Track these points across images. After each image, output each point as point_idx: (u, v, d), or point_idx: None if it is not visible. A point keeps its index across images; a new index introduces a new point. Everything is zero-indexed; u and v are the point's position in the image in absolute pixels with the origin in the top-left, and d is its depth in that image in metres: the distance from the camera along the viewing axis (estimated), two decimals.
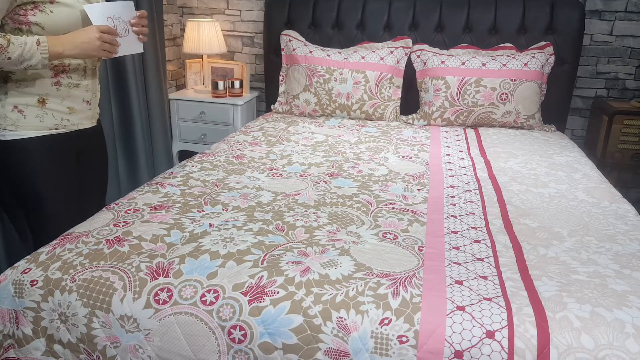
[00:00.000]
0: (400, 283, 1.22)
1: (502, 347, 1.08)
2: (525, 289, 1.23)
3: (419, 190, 1.88)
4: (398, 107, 2.95)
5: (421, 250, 1.40)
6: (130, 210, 1.60)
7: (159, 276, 1.25)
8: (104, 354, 1.23)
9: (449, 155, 2.34)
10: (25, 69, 1.53)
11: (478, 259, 1.37)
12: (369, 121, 2.91)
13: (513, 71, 2.74)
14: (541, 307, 1.15)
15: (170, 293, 1.22)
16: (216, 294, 1.20)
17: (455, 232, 1.54)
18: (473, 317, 1.12)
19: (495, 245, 1.47)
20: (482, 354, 1.08)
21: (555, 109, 3.03)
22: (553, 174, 2.11)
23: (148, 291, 1.22)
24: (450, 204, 1.76)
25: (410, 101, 3.10)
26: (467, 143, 2.54)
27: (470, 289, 1.21)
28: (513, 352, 1.07)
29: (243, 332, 1.16)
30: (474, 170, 2.13)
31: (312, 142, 2.45)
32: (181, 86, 3.45)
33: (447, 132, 2.75)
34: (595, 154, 3.01)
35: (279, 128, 2.70)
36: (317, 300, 1.17)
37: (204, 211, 1.62)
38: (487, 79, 2.75)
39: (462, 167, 2.17)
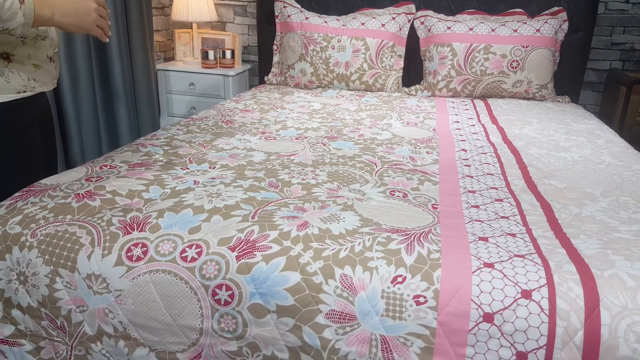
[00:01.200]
0: (414, 238, 1.04)
1: (542, 309, 0.90)
2: (562, 246, 1.05)
3: (427, 152, 1.70)
4: (400, 78, 2.76)
5: (436, 208, 1.22)
6: (106, 166, 1.41)
7: (133, 230, 1.07)
8: (69, 319, 1.05)
9: (457, 122, 2.16)
10: None
11: (502, 217, 1.19)
12: (369, 92, 2.73)
13: (525, 37, 2.56)
14: (585, 265, 0.97)
15: (145, 249, 1.03)
16: (199, 250, 1.01)
17: (473, 192, 1.36)
18: (505, 275, 0.94)
19: (521, 203, 1.28)
20: (517, 317, 0.90)
21: (568, 81, 2.85)
22: (574, 139, 1.93)
23: (120, 247, 1.04)
24: (465, 165, 1.58)
25: (413, 73, 2.92)
26: (477, 112, 2.36)
27: (498, 246, 1.03)
28: (555, 314, 0.89)
29: (230, 292, 0.97)
30: (487, 135, 1.96)
31: (308, 110, 2.26)
32: (170, 58, 3.26)
33: (453, 102, 2.56)
34: (612, 128, 2.84)
35: (272, 97, 2.52)
36: (317, 255, 0.98)
37: (188, 169, 1.43)
38: (497, 46, 2.57)
39: (474, 133, 1.99)
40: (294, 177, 1.38)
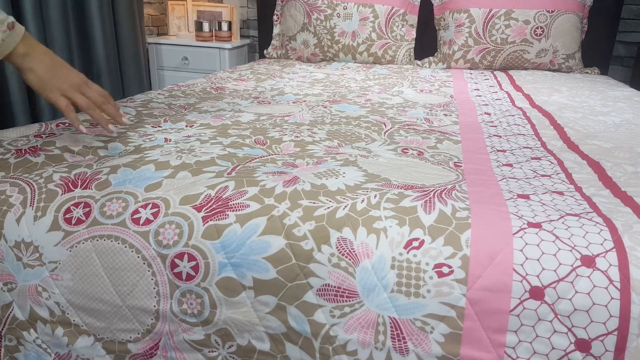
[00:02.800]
0: (434, 195, 0.80)
1: (610, 280, 0.66)
2: (624, 204, 0.81)
3: (445, 115, 1.46)
4: (412, 50, 2.52)
5: (459, 166, 0.98)
6: (64, 124, 1.19)
7: (76, 188, 0.84)
8: None
9: (477, 90, 1.92)
10: None
11: (543, 175, 0.95)
12: (377, 65, 2.49)
13: (550, 1, 2.31)
14: None
15: (88, 209, 0.80)
16: (155, 210, 0.78)
17: (503, 150, 1.12)
18: (557, 237, 0.70)
19: (563, 162, 1.04)
20: (576, 292, 0.66)
21: (595, 54, 2.59)
22: (611, 105, 1.68)
23: (57, 207, 0.81)
24: (491, 126, 1.34)
25: (426, 45, 2.67)
26: (498, 82, 2.11)
27: (544, 204, 0.79)
28: (629, 287, 0.65)
29: (194, 263, 0.74)
30: (512, 101, 1.71)
31: (310, 80, 2.03)
32: (163, 33, 3.04)
33: (471, 73, 2.32)
34: None
35: (271, 69, 2.29)
36: (307, 215, 0.75)
37: (160, 127, 1.20)
38: (519, 11, 2.32)
39: (497, 100, 1.74)
40: (286, 134, 1.15)
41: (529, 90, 1.91)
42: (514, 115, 1.47)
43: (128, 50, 2.46)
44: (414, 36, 2.52)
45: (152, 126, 1.20)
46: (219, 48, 2.65)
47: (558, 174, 0.97)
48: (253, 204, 0.77)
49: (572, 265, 0.67)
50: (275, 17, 2.67)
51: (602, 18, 2.54)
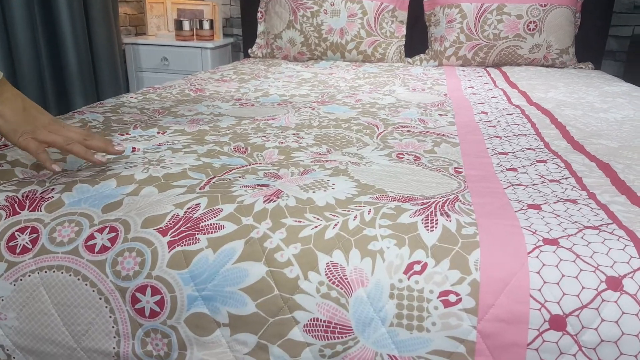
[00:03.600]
0: (436, 208, 0.70)
1: None
2: None
3: (441, 115, 1.36)
4: (402, 47, 2.43)
5: (459, 172, 0.89)
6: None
7: (23, 209, 0.73)
8: None
9: (471, 87, 1.83)
10: None
11: (551, 181, 0.86)
12: (367, 63, 2.39)
13: None
14: None
15: (35, 235, 0.69)
16: (113, 234, 0.68)
17: (505, 153, 1.03)
18: (577, 256, 0.61)
19: (571, 164, 0.95)
20: (602, 321, 0.57)
21: (588, 49, 2.52)
22: (610, 101, 1.60)
23: None
24: (489, 127, 1.25)
25: (416, 43, 2.58)
26: (492, 79, 2.02)
27: (557, 215, 0.70)
28: None
29: (158, 297, 0.64)
30: (508, 99, 1.62)
31: (297, 79, 1.93)
32: (142, 33, 2.92)
33: (464, 70, 2.23)
34: None
35: (256, 68, 2.18)
36: (292, 236, 0.65)
37: (129, 134, 1.10)
38: (512, 5, 2.23)
39: (492, 97, 1.66)
40: (269, 140, 1.05)
41: (525, 87, 1.82)
42: (512, 114, 1.38)
43: (102, 52, 2.35)
44: (404, 33, 2.43)
45: (119, 134, 1.09)
46: (201, 48, 2.54)
47: (567, 178, 0.88)
48: (228, 225, 0.67)
49: (596, 289, 0.58)
50: (259, 15, 2.56)
51: (594, 12, 2.46)
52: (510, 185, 0.83)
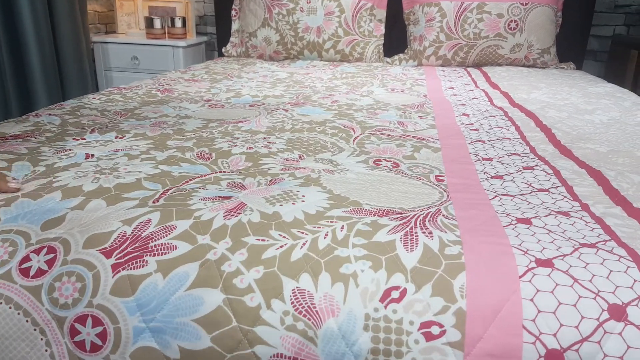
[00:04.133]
0: (416, 223, 0.63)
1: None
2: None
3: (420, 117, 1.30)
4: (381, 47, 2.37)
5: (441, 181, 0.82)
6: None
7: None
8: None
9: (452, 88, 1.77)
10: None
11: (540, 190, 0.80)
12: (345, 62, 2.32)
13: None
14: None
15: None
16: (51, 255, 0.59)
17: (489, 159, 0.96)
18: (575, 280, 0.54)
19: (560, 172, 0.89)
20: (605, 356, 0.50)
21: (569, 48, 2.49)
22: (594, 102, 1.55)
23: None
24: (472, 130, 1.19)
25: (396, 42, 2.52)
26: (473, 79, 1.97)
27: (550, 231, 0.63)
28: None
29: (100, 328, 0.56)
30: (490, 100, 1.57)
31: (271, 80, 1.85)
32: (112, 32, 2.80)
33: (444, 70, 2.18)
34: None
35: (229, 68, 2.09)
36: (253, 257, 0.57)
37: (84, 139, 1.00)
38: (492, 4, 2.18)
39: (474, 99, 1.60)
40: (237, 145, 0.97)
41: (507, 88, 1.77)
42: (495, 116, 1.32)
43: (68, 50, 2.23)
44: (383, 32, 2.36)
45: (74, 138, 1.00)
46: (172, 46, 2.44)
47: (557, 187, 0.81)
48: (182, 245, 0.59)
49: (597, 319, 0.51)
50: (233, 12, 2.47)
51: (575, 11, 2.43)
52: (496, 196, 0.76)
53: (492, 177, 0.86)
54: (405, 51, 2.39)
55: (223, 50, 2.45)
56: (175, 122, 1.16)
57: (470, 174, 0.86)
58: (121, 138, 1.01)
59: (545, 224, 0.65)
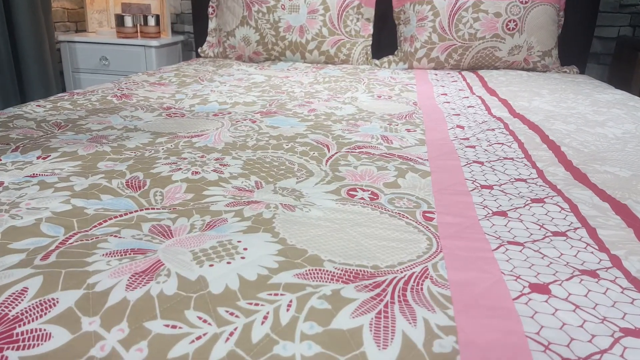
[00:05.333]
0: (393, 295, 0.46)
1: None
2: None
3: (408, 130, 1.12)
4: (369, 48, 2.19)
5: (430, 219, 0.64)
6: None
7: None
8: None
9: (445, 95, 1.60)
10: None
11: (557, 234, 0.63)
12: (330, 65, 2.14)
13: None
14: None
15: None
16: None
17: (490, 187, 0.79)
18: None
19: (577, 206, 0.72)
20: None
21: (571, 50, 2.32)
22: (605, 112, 1.39)
23: None
24: (467, 147, 1.01)
25: (385, 43, 2.35)
26: (468, 84, 1.80)
27: (578, 306, 0.46)
28: None
29: None
30: (488, 109, 1.40)
31: (246, 83, 1.67)
32: (83, 30, 2.61)
33: (437, 74, 2.00)
34: None
35: (202, 70, 1.91)
36: (156, 355, 0.39)
37: (0, 160, 0.82)
38: (489, 2, 2.02)
39: (469, 107, 1.43)
40: (181, 168, 0.79)
41: (505, 95, 1.60)
42: (494, 129, 1.15)
43: (29, 50, 2.04)
44: (371, 32, 2.19)
45: None
46: (144, 46, 2.25)
47: (576, 229, 0.64)
48: (58, 333, 0.41)
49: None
50: (210, 10, 2.29)
51: (578, 10, 2.27)
52: (501, 245, 0.59)
53: (494, 213, 0.69)
54: (395, 53, 2.22)
55: (199, 50, 2.27)
56: (118, 137, 0.98)
57: (467, 210, 0.69)
58: (44, 159, 0.83)
59: (570, 293, 0.48)
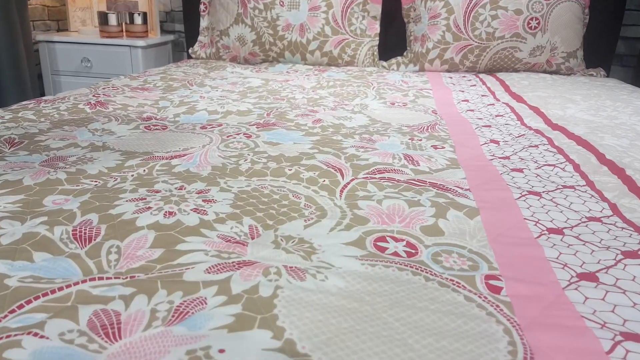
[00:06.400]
0: None
1: None
2: None
3: (435, 147, 0.93)
4: (376, 48, 2.00)
5: (496, 290, 0.45)
6: None
7: None
8: None
9: (466, 101, 1.41)
10: None
11: None
12: (334, 67, 1.95)
13: None
14: None
15: None
16: None
17: (560, 232, 0.60)
18: None
19: None
20: None
21: (594, 51, 2.14)
22: None
23: None
24: (512, 169, 0.82)
25: (393, 42, 2.16)
26: (489, 89, 1.61)
27: None
28: None
29: None
30: (520, 119, 1.21)
31: (241, 88, 1.48)
32: (65, 29, 2.41)
33: (451, 77, 1.82)
34: None
35: (192, 73, 1.72)
36: None
37: None
38: None
39: (498, 116, 1.24)
40: (150, 206, 0.60)
41: (534, 101, 1.41)
42: (537, 146, 0.96)
43: (1, 51, 1.84)
44: (378, 30, 2.00)
45: None
46: (130, 46, 2.05)
47: None
48: None
49: None
50: (202, 7, 2.09)
51: (604, 8, 2.08)
52: (617, 343, 0.39)
53: (580, 276, 0.49)
54: (405, 54, 2.02)
55: (190, 51, 2.08)
56: (80, 158, 0.79)
57: (542, 272, 0.50)
58: None
59: None
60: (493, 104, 1.37)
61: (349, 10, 1.94)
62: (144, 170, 0.73)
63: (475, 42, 1.85)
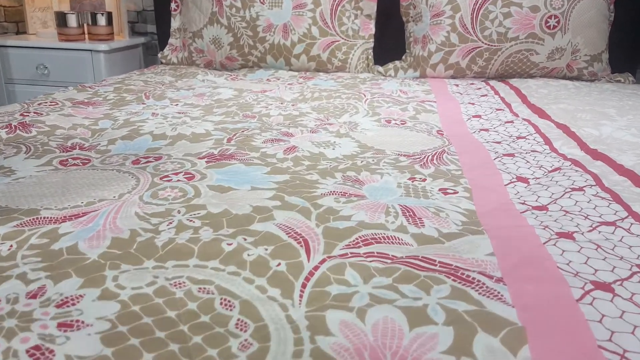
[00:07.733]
0: None
1: None
2: None
3: (444, 191, 0.68)
4: (370, 51, 1.75)
5: None
6: None
7: None
8: None
9: (479, 117, 1.16)
10: None
11: None
12: (322, 73, 1.70)
13: None
14: None
15: None
16: None
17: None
18: None
19: None
20: None
21: (620, 53, 1.88)
22: None
23: None
24: (559, 234, 0.57)
25: (390, 44, 1.90)
26: (503, 99, 1.36)
27: None
28: None
29: None
30: (548, 143, 0.95)
31: (208, 101, 1.23)
32: (24, 32, 2.16)
33: (458, 85, 1.57)
34: None
35: (155, 82, 1.47)
36: None
37: None
38: None
39: (520, 138, 0.99)
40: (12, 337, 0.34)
41: (560, 117, 1.16)
42: (582, 189, 0.71)
43: None
44: (373, 31, 1.75)
45: None
46: (91, 50, 1.80)
47: None
48: None
49: None
50: (174, 5, 1.84)
51: (631, 4, 1.83)
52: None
53: None
54: (403, 57, 1.77)
55: (159, 55, 1.83)
56: None
57: None
58: None
59: None
60: (512, 122, 1.12)
61: (340, 8, 1.69)
62: (9, 248, 0.48)
63: (485, 44, 1.60)
